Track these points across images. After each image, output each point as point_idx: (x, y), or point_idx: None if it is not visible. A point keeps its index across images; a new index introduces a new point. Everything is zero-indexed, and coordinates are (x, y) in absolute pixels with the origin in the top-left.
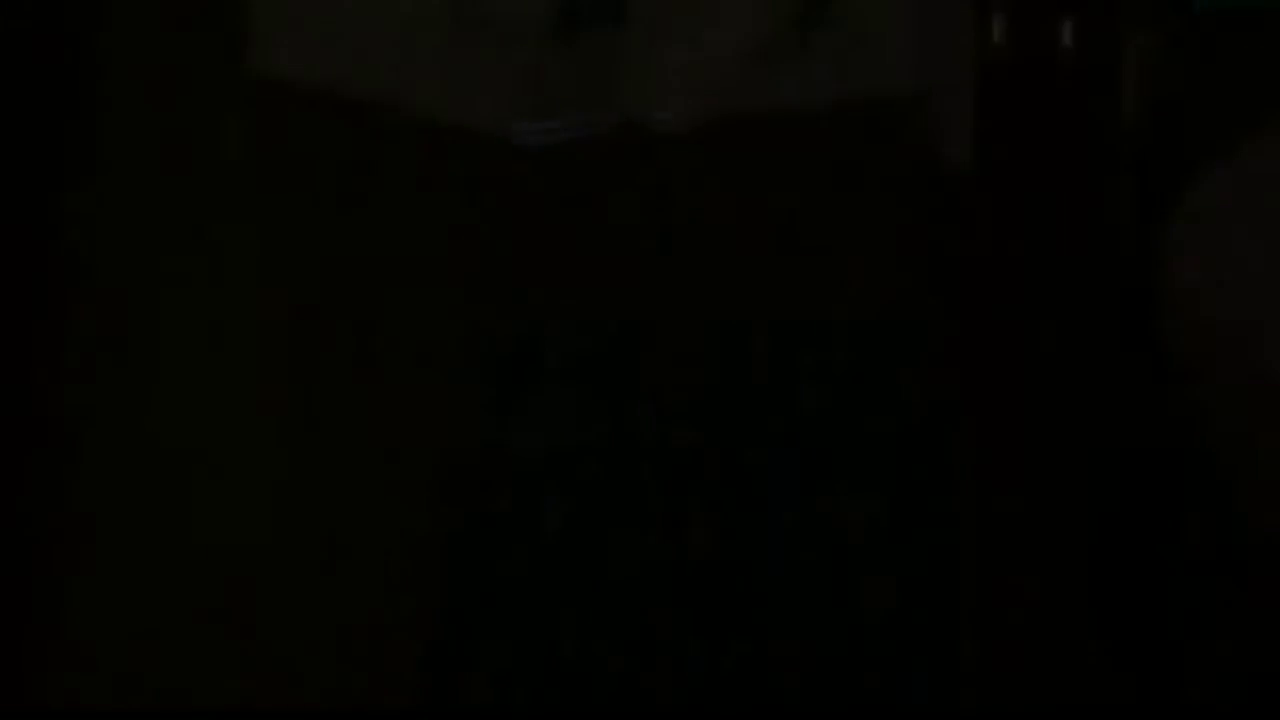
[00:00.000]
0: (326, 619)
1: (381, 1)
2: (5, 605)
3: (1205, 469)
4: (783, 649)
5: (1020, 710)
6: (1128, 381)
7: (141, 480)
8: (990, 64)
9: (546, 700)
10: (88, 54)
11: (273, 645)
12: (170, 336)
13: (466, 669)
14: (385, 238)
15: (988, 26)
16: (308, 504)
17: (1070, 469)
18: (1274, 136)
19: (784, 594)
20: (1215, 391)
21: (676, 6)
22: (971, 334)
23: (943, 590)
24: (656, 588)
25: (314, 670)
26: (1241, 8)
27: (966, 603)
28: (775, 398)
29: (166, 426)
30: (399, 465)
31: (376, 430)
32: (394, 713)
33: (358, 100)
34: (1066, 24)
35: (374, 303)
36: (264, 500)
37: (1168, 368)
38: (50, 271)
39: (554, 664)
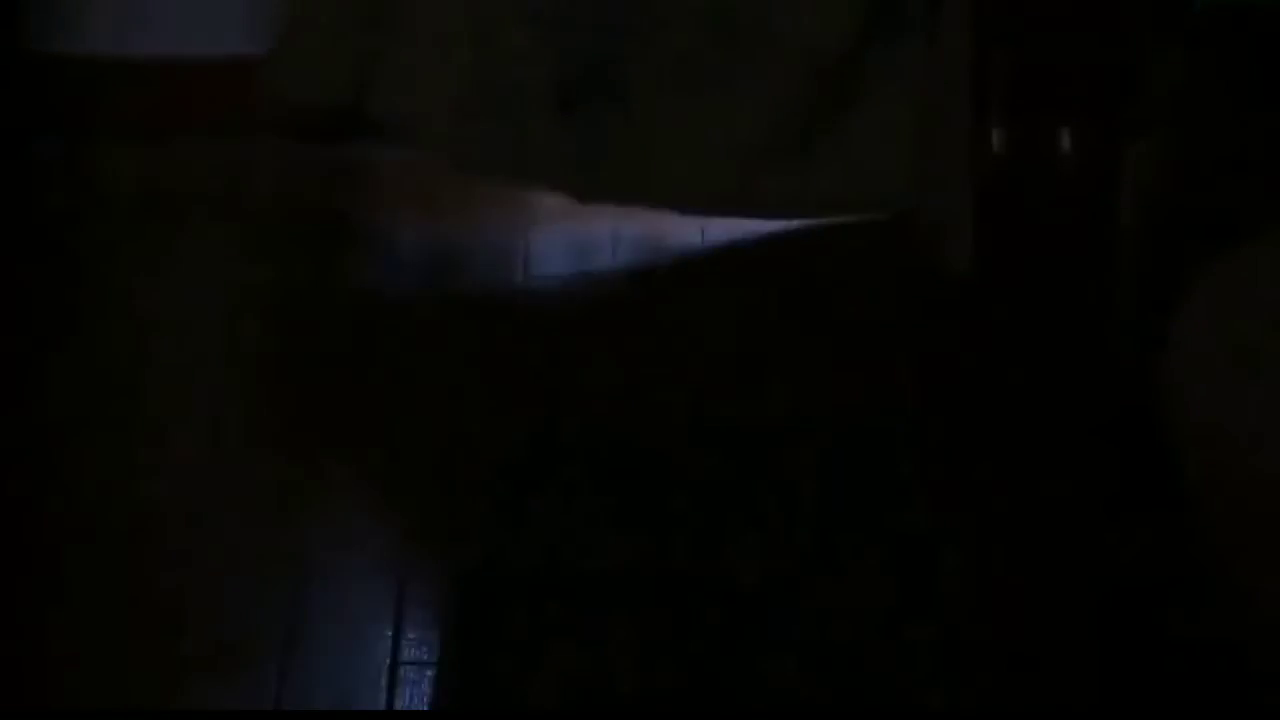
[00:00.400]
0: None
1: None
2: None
3: (1201, 557)
4: None
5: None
6: (1126, 482)
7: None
8: (990, 172)
9: None
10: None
11: None
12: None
13: None
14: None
15: (987, 135)
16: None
17: (1068, 563)
18: (1267, 240)
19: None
20: (1214, 491)
21: (679, 99)
22: (970, 436)
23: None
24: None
25: None
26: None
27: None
28: (773, 505)
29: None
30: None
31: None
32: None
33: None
34: (1064, 132)
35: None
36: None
37: (1166, 465)
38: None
39: None
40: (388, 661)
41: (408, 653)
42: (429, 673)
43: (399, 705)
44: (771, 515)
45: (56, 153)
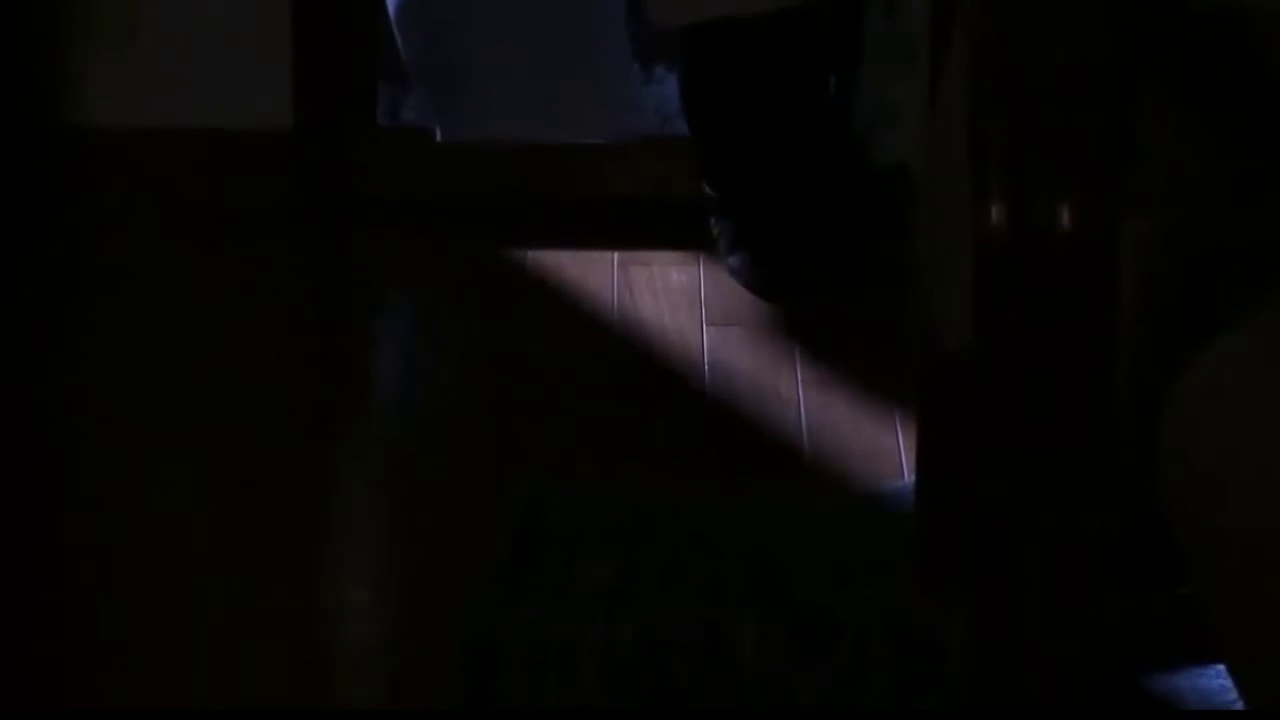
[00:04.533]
0: None
1: None
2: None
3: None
4: None
5: None
6: (1128, 552)
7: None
8: (989, 245)
9: None
10: None
11: None
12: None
13: None
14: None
15: (986, 209)
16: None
17: (1070, 632)
18: (1267, 313)
19: None
20: (1214, 555)
21: None
22: (970, 515)
23: None
24: None
25: None
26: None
27: None
28: (776, 584)
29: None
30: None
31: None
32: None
33: None
34: (1064, 207)
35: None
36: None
37: (1167, 534)
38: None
39: None
40: None
41: None
42: None
43: None
44: (770, 587)
45: (84, 222)
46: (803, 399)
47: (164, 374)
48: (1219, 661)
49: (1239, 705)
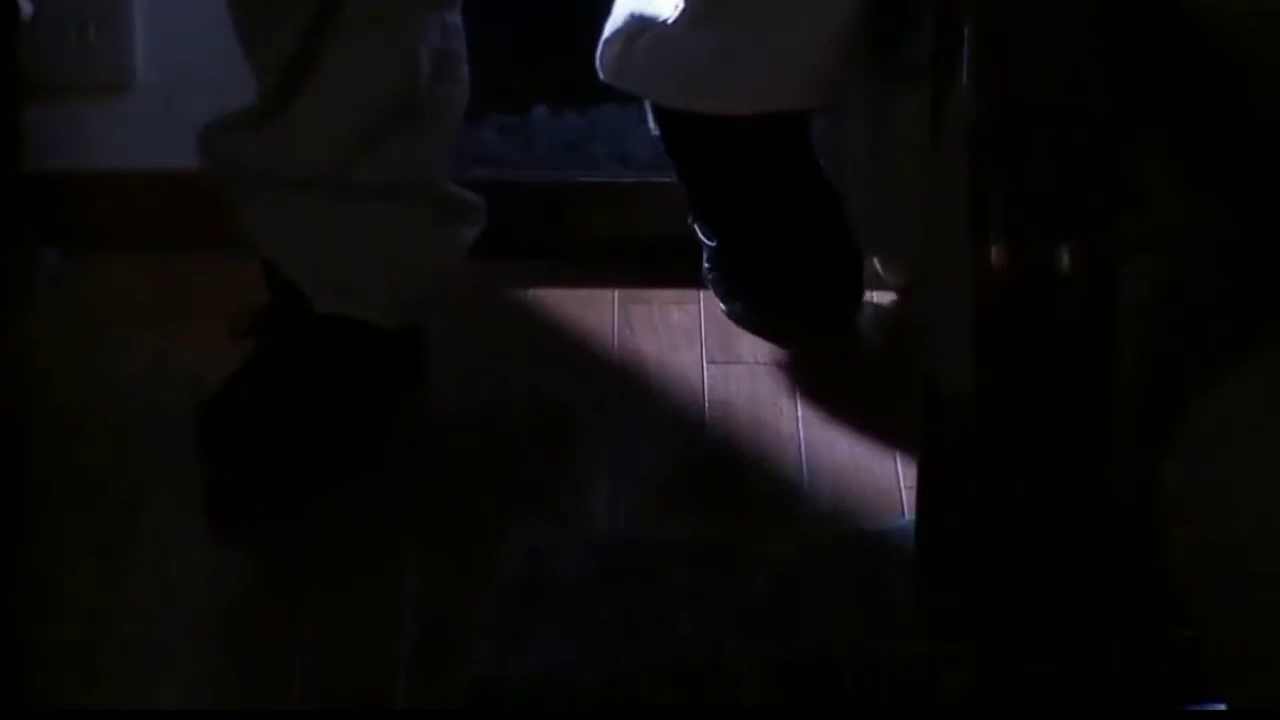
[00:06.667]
0: None
1: None
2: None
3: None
4: None
5: None
6: (1130, 600)
7: None
8: (987, 288)
9: None
10: None
11: None
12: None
13: None
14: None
15: (985, 251)
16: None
17: (1073, 679)
18: (1267, 358)
19: None
20: (1218, 603)
21: None
22: (971, 557)
23: None
24: None
25: None
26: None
27: None
28: (776, 624)
29: None
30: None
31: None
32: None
33: None
34: (1062, 251)
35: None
36: None
37: (1169, 582)
38: None
39: None
40: None
41: None
42: None
43: None
44: (770, 627)
45: (56, 267)
46: (803, 437)
47: (162, 401)
48: (1220, 701)
49: None
